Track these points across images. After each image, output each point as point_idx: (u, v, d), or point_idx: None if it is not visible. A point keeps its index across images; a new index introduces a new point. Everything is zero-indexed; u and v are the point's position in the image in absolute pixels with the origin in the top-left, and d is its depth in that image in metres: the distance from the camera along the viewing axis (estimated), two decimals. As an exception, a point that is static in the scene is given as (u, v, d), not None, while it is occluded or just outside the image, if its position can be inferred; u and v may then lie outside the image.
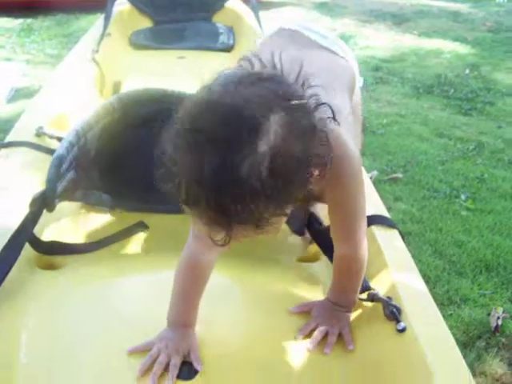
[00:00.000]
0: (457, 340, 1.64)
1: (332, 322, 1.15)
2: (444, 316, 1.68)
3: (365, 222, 1.13)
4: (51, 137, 1.91)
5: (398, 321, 1.09)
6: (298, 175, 0.84)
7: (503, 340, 1.70)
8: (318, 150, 0.88)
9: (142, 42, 3.22)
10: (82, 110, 2.11)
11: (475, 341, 1.70)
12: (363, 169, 1.69)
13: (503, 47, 5.34)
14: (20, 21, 5.44)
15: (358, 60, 4.82)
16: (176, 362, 1.06)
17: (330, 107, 0.94)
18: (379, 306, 1.15)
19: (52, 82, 2.46)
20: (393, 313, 1.11)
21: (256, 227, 0.85)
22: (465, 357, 1.57)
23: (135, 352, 1.09)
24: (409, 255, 1.29)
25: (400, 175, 2.77)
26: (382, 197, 1.75)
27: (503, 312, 1.78)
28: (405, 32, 5.84)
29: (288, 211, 0.89)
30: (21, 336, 1.16)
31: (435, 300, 1.18)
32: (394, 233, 1.38)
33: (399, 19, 6.34)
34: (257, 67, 0.93)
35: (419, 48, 5.25)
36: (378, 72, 4.55)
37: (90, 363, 1.10)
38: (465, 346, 1.68)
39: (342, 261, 1.16)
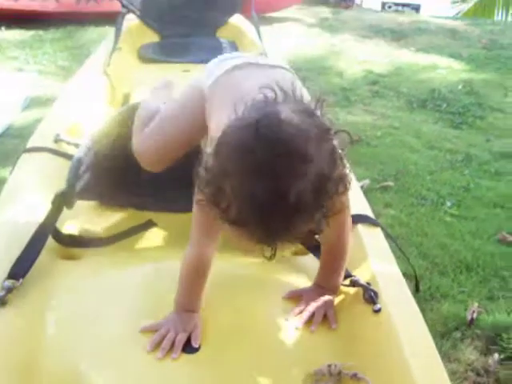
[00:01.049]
0: (435, 331, 1.84)
1: (318, 304, 1.31)
2: (424, 310, 1.86)
3: (350, 217, 1.31)
4: (68, 143, 2.08)
5: (374, 303, 1.26)
6: (332, 195, 0.97)
7: (477, 331, 1.86)
8: (343, 170, 1.00)
9: (149, 55, 3.38)
10: (95, 120, 2.30)
11: (452, 332, 1.86)
12: (354, 177, 1.86)
13: (496, 64, 5.54)
14: (32, 33, 5.62)
15: (356, 74, 5.07)
16: (182, 338, 1.22)
17: (348, 133, 1.05)
18: (359, 291, 1.33)
19: (67, 93, 2.63)
20: (371, 296, 1.28)
21: (295, 240, 1.00)
22: (441, 346, 1.77)
23: (146, 331, 1.25)
24: (388, 249, 1.46)
25: (391, 183, 2.94)
26: (372, 203, 1.90)
27: (478, 307, 1.94)
28: (402, 48, 6.02)
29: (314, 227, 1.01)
30: (46, 315, 1.31)
31: (417, 296, 1.37)
32: (377, 230, 1.55)
33: (398, 35, 6.52)
34: (280, 97, 1.01)
35: (415, 63, 5.43)
36: (375, 86, 4.73)
37: (106, 338, 1.26)
38: (442, 336, 1.84)
39: (331, 249, 1.33)
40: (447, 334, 1.86)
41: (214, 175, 0.97)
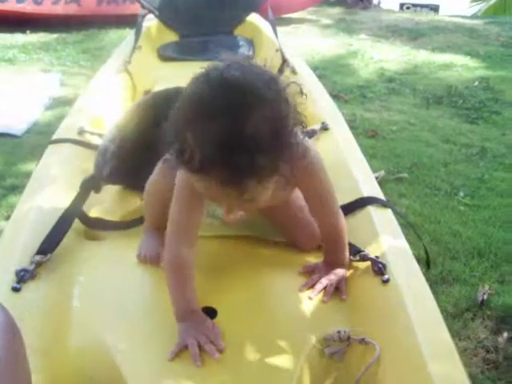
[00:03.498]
0: (446, 312, 1.89)
1: (331, 276, 1.37)
2: (436, 293, 1.91)
3: (336, 197, 1.39)
4: (92, 133, 2.18)
5: (383, 274, 1.32)
6: (287, 131, 1.05)
7: (488, 312, 1.91)
8: (297, 114, 1.08)
9: (169, 54, 3.45)
10: (117, 114, 2.39)
11: (463, 312, 1.91)
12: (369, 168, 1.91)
13: (513, 61, 5.54)
14: (55, 35, 5.77)
15: (372, 72, 5.12)
16: (208, 343, 1.20)
17: (299, 85, 1.13)
18: (369, 265, 1.38)
19: (90, 89, 2.72)
20: (379, 268, 1.34)
21: (259, 182, 1.04)
22: (453, 325, 1.82)
23: (175, 355, 1.19)
24: (397, 226, 1.52)
25: (405, 175, 2.98)
26: (387, 194, 1.95)
27: (489, 288, 1.99)
28: (419, 47, 6.04)
29: (281, 172, 1.08)
30: (73, 289, 1.39)
31: (430, 279, 1.38)
32: (387, 211, 1.60)
33: (414, 34, 6.54)
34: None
35: (432, 62, 5.45)
36: (391, 83, 4.77)
37: (127, 312, 1.33)
38: (453, 317, 1.89)
39: (327, 230, 1.42)
40: (458, 314, 1.91)
41: (176, 129, 1.04)
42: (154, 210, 1.56)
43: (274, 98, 1.03)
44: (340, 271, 1.40)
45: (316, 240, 1.50)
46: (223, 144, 0.99)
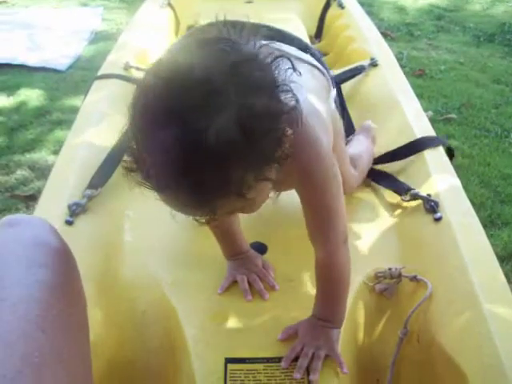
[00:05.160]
0: (495, 255, 1.84)
1: (319, 342, 1.06)
2: (485, 236, 1.85)
3: (341, 227, 1.05)
4: (138, 69, 2.16)
5: (435, 212, 1.30)
6: (269, 131, 0.77)
7: (537, 246, 1.87)
8: (284, 104, 0.81)
9: (212, -12, 3.39)
10: (161, 49, 2.36)
11: (512, 256, 1.89)
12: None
13: None
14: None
15: (420, 9, 4.85)
16: (256, 279, 1.21)
17: (290, 59, 0.86)
18: (420, 203, 1.36)
19: (134, 24, 2.69)
20: (431, 206, 1.32)
21: (239, 197, 0.77)
22: (501, 269, 1.77)
23: (225, 290, 1.22)
24: (449, 164, 1.48)
25: (454, 116, 2.90)
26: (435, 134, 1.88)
27: (540, 232, 1.95)
28: (471, -19, 5.76)
29: (270, 175, 0.82)
30: (124, 223, 1.41)
31: None
32: (439, 148, 1.56)
33: (466, -33, 6.22)
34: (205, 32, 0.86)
35: (485, -4, 5.20)
36: (440, 21, 4.58)
37: (178, 243, 1.36)
38: (502, 260, 1.86)
39: (320, 267, 1.09)
40: (507, 258, 1.88)
41: (128, 139, 0.81)
42: None
43: (243, 92, 0.75)
44: (331, 334, 1.07)
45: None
46: (175, 161, 0.73)
